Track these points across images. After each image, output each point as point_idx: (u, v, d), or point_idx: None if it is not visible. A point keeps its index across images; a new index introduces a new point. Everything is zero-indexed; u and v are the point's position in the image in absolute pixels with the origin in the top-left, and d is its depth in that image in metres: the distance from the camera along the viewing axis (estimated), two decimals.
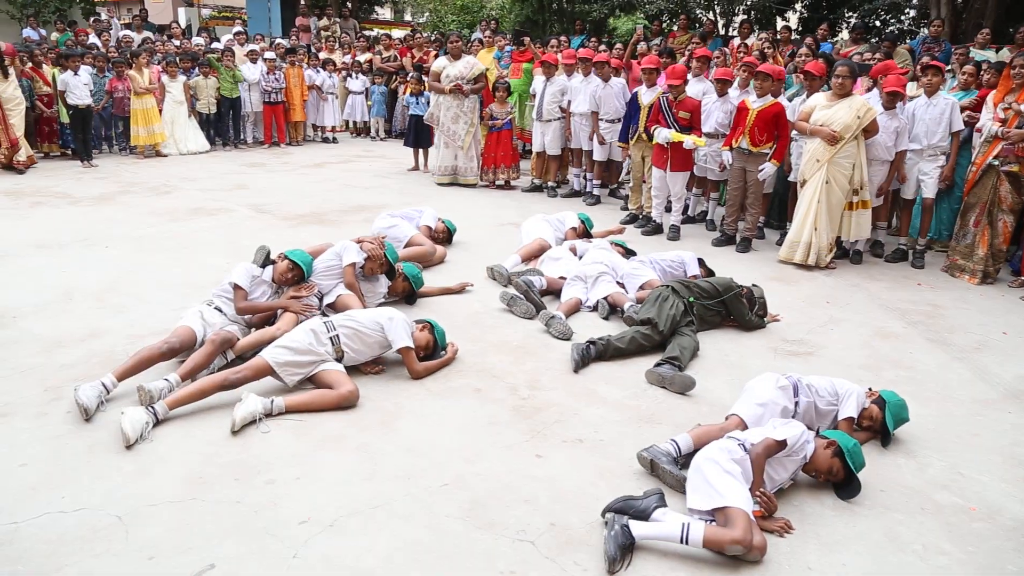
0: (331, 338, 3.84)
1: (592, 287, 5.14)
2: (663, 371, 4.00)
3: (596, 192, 8.77)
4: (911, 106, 6.38)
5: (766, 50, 9.02)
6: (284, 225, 7.16)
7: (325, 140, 13.30)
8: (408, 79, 11.39)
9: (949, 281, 6.20)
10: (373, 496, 2.95)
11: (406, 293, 5.09)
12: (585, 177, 8.94)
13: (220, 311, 4.18)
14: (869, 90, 6.78)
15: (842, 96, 6.04)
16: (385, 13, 30.94)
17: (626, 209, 8.06)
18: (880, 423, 3.46)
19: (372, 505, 2.89)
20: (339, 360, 3.86)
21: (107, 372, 3.61)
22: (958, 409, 3.93)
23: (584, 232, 6.47)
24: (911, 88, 6.74)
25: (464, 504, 2.92)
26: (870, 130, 6.02)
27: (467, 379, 4.03)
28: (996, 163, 5.96)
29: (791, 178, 6.95)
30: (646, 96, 7.26)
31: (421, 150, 10.53)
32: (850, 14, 15.69)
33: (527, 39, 10.74)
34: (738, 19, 15.92)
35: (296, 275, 4.43)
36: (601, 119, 8.23)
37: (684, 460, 3.16)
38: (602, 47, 10.74)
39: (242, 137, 12.33)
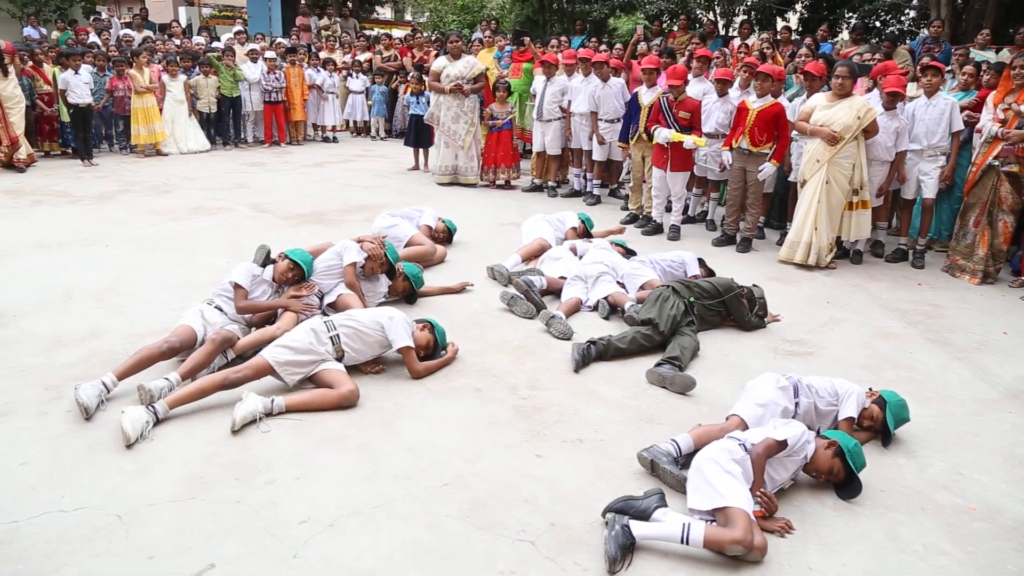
0: (331, 337, 3.83)
1: (592, 287, 5.14)
2: (663, 371, 4.00)
3: (596, 192, 8.77)
4: (911, 106, 6.38)
5: (765, 50, 9.01)
6: (284, 224, 7.16)
7: (325, 139, 13.30)
8: (409, 79, 11.40)
9: (949, 281, 6.20)
10: (373, 496, 2.95)
11: (406, 293, 5.09)
12: (585, 177, 8.94)
13: (220, 310, 4.18)
14: (869, 90, 6.78)
15: (842, 96, 6.04)
16: (386, 13, 30.94)
17: (626, 209, 8.06)
18: (881, 423, 3.46)
19: (372, 505, 2.89)
20: (339, 360, 3.86)
21: (107, 371, 3.61)
22: (958, 409, 3.93)
23: (584, 232, 6.47)
24: (911, 89, 6.74)
25: (464, 504, 2.92)
26: (870, 130, 6.02)
27: (467, 379, 4.03)
28: (996, 163, 5.96)
29: (791, 178, 6.95)
30: (646, 96, 7.26)
31: (421, 150, 10.53)
32: (850, 14, 15.69)
33: (527, 39, 10.74)
34: (738, 19, 15.92)
35: (296, 274, 4.43)
36: (600, 119, 8.23)
37: (684, 460, 3.16)
38: (602, 47, 10.74)
39: (242, 136, 12.33)
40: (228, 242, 6.45)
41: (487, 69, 9.82)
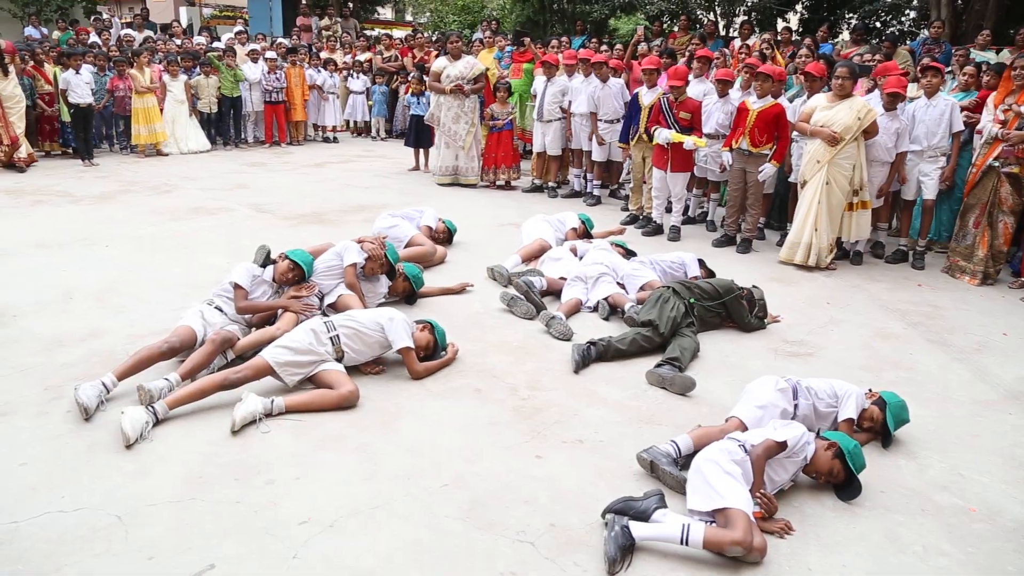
0: (331, 338, 3.84)
1: (592, 288, 5.14)
2: (663, 372, 4.00)
3: (596, 193, 8.78)
4: (911, 107, 6.38)
5: (765, 51, 9.01)
6: (284, 225, 7.17)
7: (326, 140, 13.30)
8: (409, 79, 11.40)
9: (949, 282, 6.20)
10: (373, 496, 2.95)
11: (406, 293, 5.09)
12: (586, 178, 8.94)
13: (220, 311, 4.18)
14: (870, 91, 6.78)
15: (842, 97, 6.04)
16: (386, 13, 30.95)
17: (626, 210, 8.06)
18: (881, 424, 3.46)
19: (372, 505, 2.89)
20: (339, 360, 3.86)
21: (107, 371, 3.61)
22: (958, 410, 3.93)
23: (584, 233, 6.47)
24: (911, 89, 6.74)
25: (464, 504, 2.92)
26: (869, 131, 6.02)
27: (467, 379, 4.03)
28: (996, 164, 5.96)
29: (791, 179, 6.95)
30: (647, 97, 7.26)
31: (422, 150, 10.53)
32: (850, 15, 15.69)
33: (527, 39, 10.75)
34: (739, 20, 15.92)
35: (297, 275, 4.43)
36: (600, 120, 8.23)
37: (684, 461, 3.16)
38: (603, 48, 10.74)
39: (243, 136, 12.33)
40: (228, 242, 6.46)
41: (487, 69, 9.83)
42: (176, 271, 5.60)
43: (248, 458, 3.17)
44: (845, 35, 14.34)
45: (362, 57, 13.97)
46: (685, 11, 14.87)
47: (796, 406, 3.43)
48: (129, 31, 14.64)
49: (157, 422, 3.35)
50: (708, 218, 7.87)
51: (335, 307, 4.56)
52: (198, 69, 11.38)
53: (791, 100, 7.02)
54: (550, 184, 9.26)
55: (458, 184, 9.45)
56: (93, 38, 13.04)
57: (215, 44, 13.51)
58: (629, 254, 5.84)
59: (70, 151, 10.66)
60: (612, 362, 4.29)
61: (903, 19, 15.97)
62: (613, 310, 4.98)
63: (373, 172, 10.34)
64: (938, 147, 6.30)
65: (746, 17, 16.00)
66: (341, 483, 3.03)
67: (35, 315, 4.65)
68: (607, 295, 5.02)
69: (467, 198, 8.77)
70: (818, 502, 3.04)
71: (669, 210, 7.30)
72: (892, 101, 6.21)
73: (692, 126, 6.92)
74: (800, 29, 15.69)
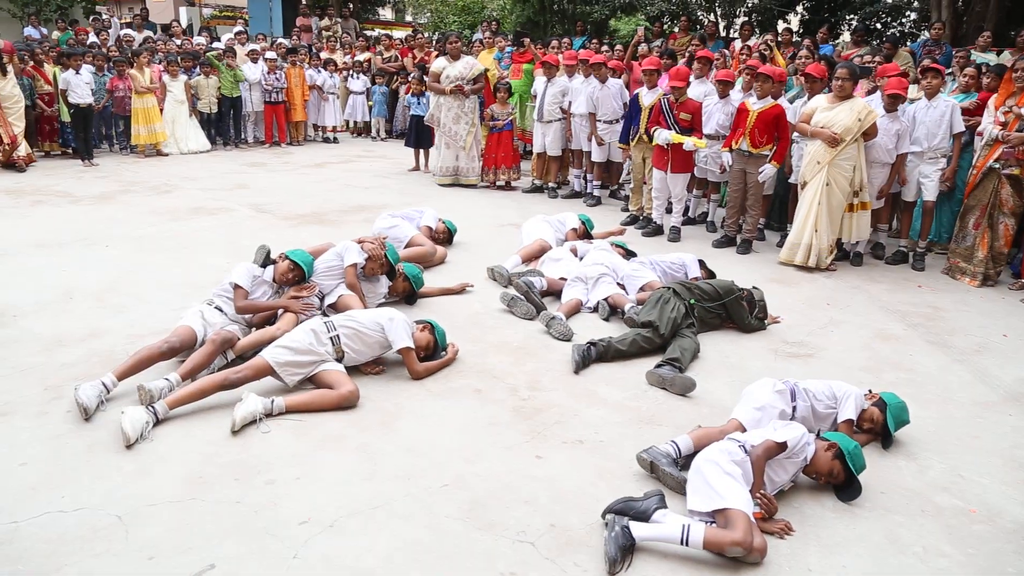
0: (331, 338, 3.83)
1: (593, 288, 5.14)
2: (664, 372, 4.00)
3: (597, 193, 8.78)
4: (911, 109, 6.38)
5: (764, 52, 9.01)
6: (285, 225, 7.17)
7: (326, 140, 13.31)
8: (410, 79, 11.40)
9: (949, 283, 6.21)
10: (373, 496, 2.95)
11: (406, 293, 5.09)
12: (586, 178, 8.94)
13: (220, 311, 4.17)
14: (870, 93, 6.79)
15: (843, 98, 6.04)
16: (386, 13, 30.95)
17: (627, 210, 8.06)
18: (881, 425, 3.46)
19: (372, 505, 2.89)
20: (339, 360, 3.86)
21: (107, 371, 3.61)
22: (958, 411, 3.93)
23: (585, 233, 6.48)
24: (912, 91, 6.75)
25: (464, 504, 2.92)
26: (869, 133, 6.02)
27: (467, 380, 4.03)
28: (997, 166, 5.96)
29: (792, 180, 6.95)
30: (647, 97, 7.26)
31: (422, 150, 10.53)
32: (851, 16, 15.70)
33: (527, 40, 10.75)
34: (739, 21, 15.93)
35: (297, 275, 4.43)
36: (599, 120, 8.24)
37: (684, 462, 3.16)
38: (604, 48, 10.75)
39: (243, 137, 12.34)
40: (228, 242, 6.46)
41: (487, 70, 9.83)
42: (176, 271, 5.60)
43: (248, 458, 3.17)
44: (846, 36, 14.34)
45: (360, 57, 13.97)
46: (686, 12, 14.88)
47: (794, 408, 3.43)
48: (129, 31, 14.64)
49: (157, 422, 3.35)
50: (708, 219, 7.87)
51: (335, 307, 4.56)
52: (198, 69, 11.38)
53: (791, 101, 7.02)
54: (550, 184, 9.26)
55: (458, 184, 9.46)
56: (92, 38, 13.05)
57: (215, 44, 13.52)
58: (629, 255, 5.84)
59: (70, 151, 10.66)
60: (612, 363, 4.29)
61: (904, 20, 15.98)
62: (613, 311, 4.98)
63: (373, 172, 10.34)
64: (938, 148, 6.30)
65: (747, 18, 16.00)
66: (341, 483, 3.03)
67: (35, 315, 4.65)
68: (607, 296, 5.02)
69: (467, 198, 8.77)
70: (818, 503, 3.04)
71: (669, 211, 7.30)
72: (893, 102, 6.21)
73: (692, 127, 6.92)
74: (801, 30, 15.70)
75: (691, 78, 7.39)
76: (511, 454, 3.30)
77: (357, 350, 3.92)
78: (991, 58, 8.76)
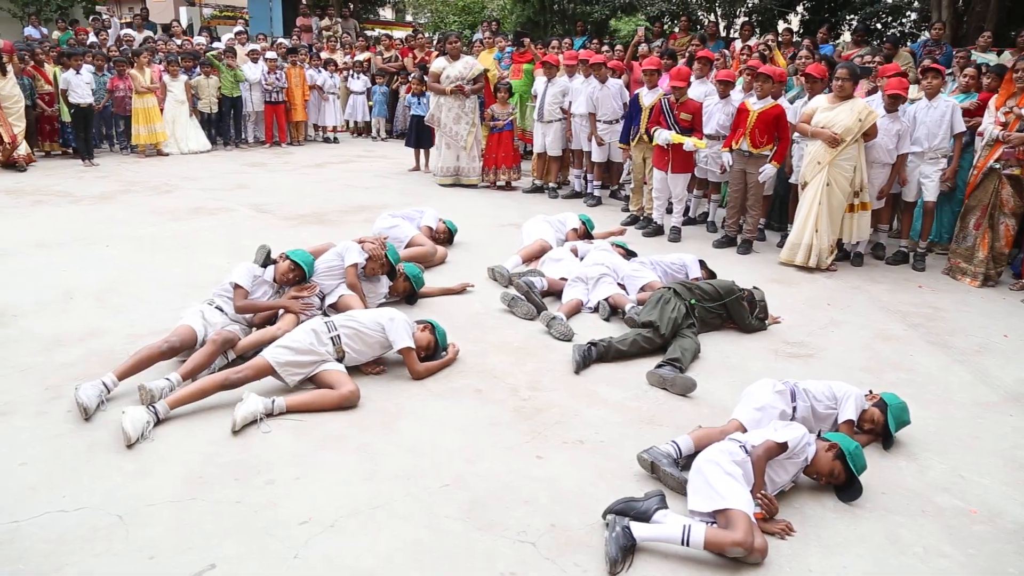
0: (332, 338, 3.83)
1: (593, 288, 5.14)
2: (664, 373, 4.00)
3: (597, 193, 8.77)
4: (912, 109, 6.38)
5: (764, 52, 9.01)
6: (285, 225, 7.16)
7: (326, 140, 13.31)
8: (410, 79, 11.40)
9: (950, 284, 6.20)
10: (373, 496, 2.94)
11: (407, 293, 5.09)
12: (586, 178, 8.94)
13: (221, 311, 4.17)
14: (870, 93, 6.78)
15: (843, 99, 6.04)
16: (387, 13, 30.96)
17: (627, 210, 8.06)
18: (882, 426, 3.45)
19: (372, 505, 2.89)
20: (340, 360, 3.86)
21: (107, 371, 3.61)
22: (959, 412, 3.93)
23: (585, 233, 6.47)
24: (912, 91, 6.74)
25: (464, 504, 2.91)
26: (868, 134, 6.02)
27: (468, 380, 4.03)
28: (997, 167, 5.96)
29: (792, 180, 6.95)
30: (647, 97, 7.26)
31: (422, 150, 10.53)
32: (851, 16, 15.70)
33: (527, 40, 10.75)
34: (739, 21, 15.93)
35: (298, 275, 4.43)
36: (599, 120, 8.23)
37: (685, 462, 3.16)
38: (604, 48, 10.75)
39: (243, 137, 12.34)
40: (228, 242, 6.45)
41: (487, 70, 9.83)
42: (176, 271, 5.60)
43: (249, 458, 3.17)
44: (846, 36, 14.34)
45: (360, 56, 13.97)
46: (686, 12, 14.87)
47: (794, 408, 3.43)
48: (129, 31, 14.64)
49: (158, 422, 3.35)
50: (709, 219, 7.87)
51: (336, 307, 4.56)
52: (198, 69, 11.38)
53: (792, 101, 7.02)
54: (551, 185, 9.26)
55: (459, 184, 9.45)
56: (92, 38, 13.05)
57: (215, 44, 13.52)
58: (630, 255, 5.84)
59: (70, 151, 10.66)
60: (613, 363, 4.29)
61: (904, 20, 15.98)
62: (614, 311, 4.98)
63: (373, 172, 10.34)
64: (939, 149, 6.30)
65: (747, 18, 16.00)
66: (341, 483, 3.02)
67: (35, 315, 4.65)
68: (608, 296, 5.02)
69: (467, 198, 8.77)
70: (819, 503, 3.04)
71: (670, 211, 7.30)
72: (893, 103, 6.21)
73: (692, 127, 6.92)
74: (801, 30, 15.70)
75: (692, 78, 7.39)
76: (511, 454, 3.30)
77: (358, 350, 3.92)
78: (991, 58, 8.76)
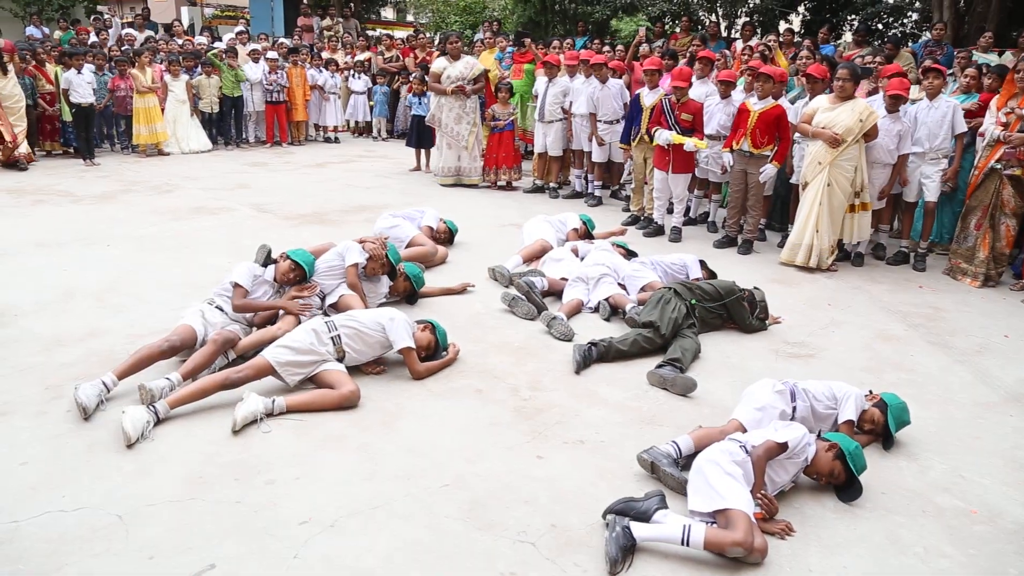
0: (332, 338, 3.83)
1: (594, 288, 5.14)
2: (665, 373, 4.00)
3: (598, 193, 8.77)
4: (913, 109, 6.37)
5: (766, 52, 9.01)
6: (286, 225, 7.17)
7: (327, 140, 13.31)
8: (411, 79, 11.41)
9: (951, 284, 6.20)
10: (373, 496, 2.94)
11: (407, 293, 5.09)
12: (587, 178, 8.94)
13: (221, 310, 4.17)
14: (871, 93, 6.78)
15: (844, 99, 6.04)
16: (388, 13, 30.96)
17: (628, 211, 8.06)
18: (882, 426, 3.45)
19: (372, 505, 2.89)
20: (340, 360, 3.86)
21: (107, 371, 3.61)
22: (959, 412, 3.93)
23: (586, 233, 6.47)
24: (913, 91, 6.74)
25: (464, 504, 2.91)
26: (869, 134, 6.02)
27: (468, 380, 4.03)
28: (998, 167, 5.96)
29: (793, 180, 6.95)
30: (648, 98, 7.26)
31: (423, 150, 10.53)
32: (853, 17, 15.69)
33: (528, 40, 10.75)
34: (740, 21, 15.92)
35: (298, 275, 4.43)
36: (599, 120, 8.23)
37: (685, 462, 3.16)
38: (605, 49, 10.75)
39: (244, 136, 12.34)
40: (229, 242, 6.46)
41: (488, 70, 9.83)
42: (177, 271, 5.60)
43: (249, 458, 3.17)
44: (847, 37, 14.33)
45: (361, 56, 13.97)
46: (687, 12, 14.87)
47: (794, 408, 3.43)
48: (130, 31, 14.65)
49: (158, 421, 3.35)
50: (709, 219, 7.87)
51: (337, 307, 4.56)
52: (199, 69, 11.39)
53: (792, 102, 7.01)
54: (551, 185, 9.26)
55: (460, 184, 9.45)
56: (93, 38, 13.06)
57: (216, 44, 13.53)
58: (630, 255, 5.83)
59: (71, 151, 10.67)
60: (613, 363, 4.29)
61: (905, 21, 15.97)
62: (614, 311, 4.98)
63: (374, 172, 10.34)
64: (940, 149, 6.29)
65: (748, 19, 15.99)
66: (342, 483, 3.02)
67: (35, 315, 4.65)
68: (608, 296, 5.01)
69: (468, 198, 8.77)
70: (819, 503, 3.04)
71: (670, 211, 7.30)
72: (894, 103, 6.21)
73: (693, 127, 6.92)
74: (802, 31, 15.69)
75: (693, 78, 7.39)
76: (512, 454, 3.30)
77: (358, 350, 3.92)
78: (992, 59, 8.75)
